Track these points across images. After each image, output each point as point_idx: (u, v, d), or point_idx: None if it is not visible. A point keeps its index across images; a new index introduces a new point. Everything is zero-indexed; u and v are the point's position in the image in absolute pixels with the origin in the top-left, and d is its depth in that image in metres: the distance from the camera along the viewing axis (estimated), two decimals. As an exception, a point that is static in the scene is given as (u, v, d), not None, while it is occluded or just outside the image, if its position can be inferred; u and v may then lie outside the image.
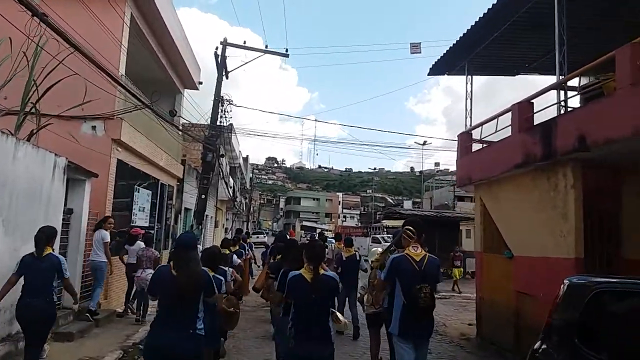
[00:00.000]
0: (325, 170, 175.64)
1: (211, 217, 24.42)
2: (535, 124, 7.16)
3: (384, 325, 5.56)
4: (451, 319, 11.14)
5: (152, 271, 8.42)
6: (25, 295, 4.82)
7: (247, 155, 50.57)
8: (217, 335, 5.41)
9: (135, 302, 9.03)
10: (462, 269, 17.95)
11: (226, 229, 30.12)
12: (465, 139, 9.72)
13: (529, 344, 7.25)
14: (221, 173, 23.07)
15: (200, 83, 16.71)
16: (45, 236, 5.05)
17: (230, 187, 27.27)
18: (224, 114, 16.81)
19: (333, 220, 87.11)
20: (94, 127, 9.32)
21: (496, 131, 8.29)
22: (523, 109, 7.31)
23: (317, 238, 10.66)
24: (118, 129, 9.42)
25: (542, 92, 7.39)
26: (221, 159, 19.11)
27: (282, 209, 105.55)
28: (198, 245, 4.21)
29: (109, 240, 8.41)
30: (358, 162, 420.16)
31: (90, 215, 8.59)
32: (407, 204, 70.08)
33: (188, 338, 3.53)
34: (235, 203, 30.67)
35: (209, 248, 5.43)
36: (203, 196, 15.94)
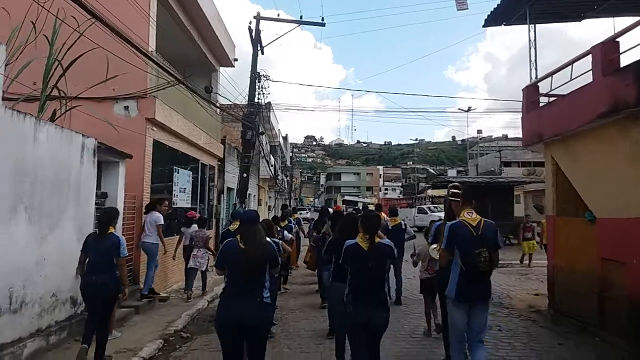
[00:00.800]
0: (364, 145, 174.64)
1: (254, 195, 24.14)
2: (622, 65, 6.09)
3: (435, 289, 5.74)
4: (515, 289, 10.28)
5: (205, 250, 9.38)
6: (89, 273, 5.10)
7: (287, 134, 50.28)
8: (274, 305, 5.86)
9: (187, 281, 9.39)
10: (534, 242, 14.09)
11: (269, 207, 29.89)
12: (531, 92, 8.64)
13: (616, 317, 6.52)
14: (262, 151, 22.63)
15: (236, 60, 16.12)
16: (107, 217, 5.39)
17: (272, 166, 26.88)
18: (262, 91, 16.23)
19: (375, 193, 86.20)
20: (126, 108, 8.89)
21: (571, 79, 7.23)
22: (607, 50, 6.23)
23: (360, 210, 11.26)
24: (152, 108, 8.94)
25: (630, 29, 6.26)
26: (261, 136, 18.59)
27: (322, 185, 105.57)
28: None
29: (162, 222, 8.55)
30: (397, 135, 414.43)
31: (127, 198, 8.22)
32: (451, 173, 68.34)
33: (257, 306, 3.72)
34: (277, 181, 30.32)
35: (265, 220, 5.66)
36: (245, 175, 15.51)
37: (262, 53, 16.28)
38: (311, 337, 6.62)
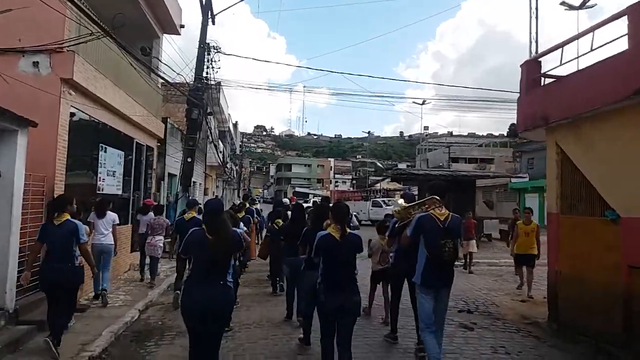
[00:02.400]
0: (315, 137, 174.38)
1: (200, 184, 22.12)
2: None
3: (393, 278, 6.11)
4: (498, 294, 9.15)
5: (161, 237, 9.14)
6: (49, 261, 5.15)
7: (237, 122, 47.95)
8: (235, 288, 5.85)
9: (151, 269, 9.14)
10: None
11: (217, 196, 27.76)
12: (532, 68, 7.41)
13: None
14: (210, 135, 20.54)
15: (182, 26, 14.10)
16: (59, 203, 5.43)
17: (220, 152, 24.85)
18: (211, 64, 14.32)
19: (325, 185, 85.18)
20: (35, 64, 6.88)
21: (591, 49, 6.01)
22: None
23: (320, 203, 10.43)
24: (69, 66, 6.98)
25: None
26: (209, 117, 16.66)
27: (272, 176, 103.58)
28: None
29: (118, 221, 7.88)
30: (347, 129, 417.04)
31: (31, 179, 6.28)
32: (403, 167, 68.44)
33: (222, 289, 3.85)
34: (226, 169, 28.27)
35: (227, 210, 5.85)
36: (189, 159, 13.62)
37: (213, 23, 14.34)
38: (270, 325, 6.67)
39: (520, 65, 7.59)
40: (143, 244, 9.26)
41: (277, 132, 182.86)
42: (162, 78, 11.32)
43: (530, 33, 8.12)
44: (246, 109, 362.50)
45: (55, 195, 6.43)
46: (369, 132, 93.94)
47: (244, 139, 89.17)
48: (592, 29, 6.04)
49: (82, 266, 5.45)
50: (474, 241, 12.44)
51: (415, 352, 5.37)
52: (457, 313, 7.42)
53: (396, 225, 5.35)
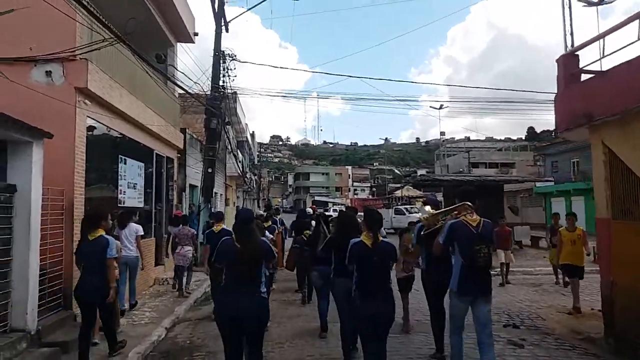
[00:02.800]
0: (331, 145, 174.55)
1: (220, 194, 21.87)
2: None
3: (424, 285, 5.77)
4: (541, 306, 8.55)
5: (189, 248, 9.34)
6: (83, 276, 5.25)
7: (254, 132, 47.91)
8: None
9: (177, 278, 9.36)
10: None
11: (237, 207, 27.51)
12: (569, 62, 6.90)
13: None
14: (229, 145, 20.31)
15: (196, 34, 13.89)
16: (91, 219, 5.48)
17: (240, 162, 24.62)
18: (227, 73, 14.08)
19: (344, 194, 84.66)
20: (48, 73, 6.63)
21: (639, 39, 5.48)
22: None
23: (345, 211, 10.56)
24: (83, 75, 6.71)
25: None
26: (227, 127, 16.40)
27: (290, 185, 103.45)
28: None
29: (142, 233, 7.85)
30: (363, 136, 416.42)
31: (49, 193, 6.01)
32: (421, 173, 67.76)
33: (256, 301, 3.89)
34: (245, 179, 28.05)
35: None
36: (209, 170, 13.35)
37: (227, 30, 14.15)
38: (304, 343, 6.29)
39: (556, 60, 7.07)
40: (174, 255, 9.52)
41: (293, 142, 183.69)
42: (179, 86, 11.08)
43: (565, 26, 7.63)
44: (262, 120, 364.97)
45: (83, 211, 6.58)
46: (385, 139, 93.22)
47: (261, 149, 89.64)
48: (636, 17, 5.52)
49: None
50: (510, 252, 11.26)
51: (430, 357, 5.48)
52: (503, 328, 6.88)
53: (422, 233, 5.39)
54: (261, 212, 16.34)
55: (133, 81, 8.77)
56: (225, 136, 18.60)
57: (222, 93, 13.63)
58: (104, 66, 7.37)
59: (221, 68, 13.68)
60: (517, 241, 18.51)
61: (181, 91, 12.63)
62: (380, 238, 4.30)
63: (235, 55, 13.95)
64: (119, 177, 8.28)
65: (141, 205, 9.35)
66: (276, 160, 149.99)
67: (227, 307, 3.88)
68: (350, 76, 27.90)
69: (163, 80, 10.55)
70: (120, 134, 8.42)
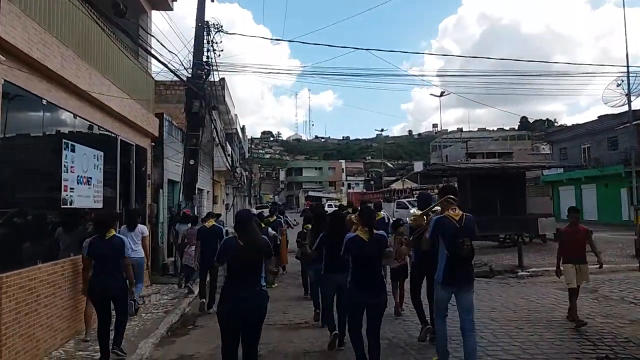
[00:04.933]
0: (322, 140, 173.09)
1: (207, 191, 19.73)
2: None
3: (412, 275, 6.35)
4: (621, 323, 6.61)
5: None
6: (98, 276, 5.27)
7: (244, 126, 45.63)
8: None
9: (186, 277, 9.25)
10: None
11: (227, 205, 25.34)
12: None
13: None
14: (216, 136, 18.09)
15: (175, 0, 11.72)
16: (106, 219, 5.55)
17: (229, 155, 22.44)
18: (212, 46, 11.93)
19: (338, 188, 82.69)
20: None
21: None
22: None
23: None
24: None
25: None
26: (213, 113, 14.24)
27: (282, 181, 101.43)
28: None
29: (147, 234, 8.04)
30: (355, 129, 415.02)
31: None
32: (418, 165, 66.22)
33: (257, 293, 4.15)
34: (236, 174, 25.88)
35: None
36: (192, 162, 11.25)
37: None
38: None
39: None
40: (182, 254, 9.51)
41: (284, 137, 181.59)
42: (152, 55, 8.90)
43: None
44: (252, 116, 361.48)
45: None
46: (382, 130, 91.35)
47: (252, 146, 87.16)
48: None
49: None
50: (586, 265, 6.99)
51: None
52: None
53: (412, 236, 5.76)
54: (256, 211, 15.23)
55: (85, 43, 6.65)
56: (212, 126, 16.45)
57: (206, 70, 11.49)
58: (37, 15, 5.26)
59: (205, 41, 11.55)
60: (541, 235, 16.57)
61: (158, 68, 10.51)
62: (375, 232, 4.61)
63: (221, 26, 11.77)
64: (63, 169, 6.12)
65: (99, 205, 7.20)
66: (267, 156, 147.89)
67: (231, 301, 4.07)
68: (345, 47, 25.82)
69: (134, 48, 8.39)
70: (65, 110, 6.26)
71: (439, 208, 5.17)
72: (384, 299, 4.57)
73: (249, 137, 66.79)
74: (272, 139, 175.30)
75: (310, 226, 8.24)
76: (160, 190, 11.38)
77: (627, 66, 20.33)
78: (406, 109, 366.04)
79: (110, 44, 7.45)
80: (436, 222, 4.85)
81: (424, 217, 5.44)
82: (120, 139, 8.30)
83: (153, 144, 10.44)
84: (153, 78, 10.65)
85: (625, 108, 22.71)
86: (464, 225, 4.74)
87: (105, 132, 7.69)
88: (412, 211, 6.26)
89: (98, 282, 5.22)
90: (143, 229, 7.80)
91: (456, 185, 15.93)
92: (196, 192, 11.61)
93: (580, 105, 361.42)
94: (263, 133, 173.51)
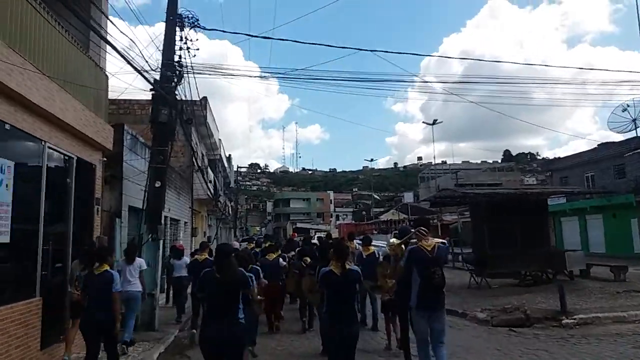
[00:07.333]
0: (310, 172, 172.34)
1: (185, 222, 17.33)
2: None
3: (395, 309, 6.72)
4: None
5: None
6: (89, 308, 5.31)
7: (230, 155, 43.53)
8: (254, 326, 6.62)
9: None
10: None
11: (209, 237, 22.78)
12: None
13: None
14: (195, 160, 15.73)
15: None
16: (99, 253, 5.59)
17: (210, 182, 20.16)
18: (186, 43, 9.84)
19: (326, 220, 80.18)
20: None
21: None
22: None
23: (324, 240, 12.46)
24: None
25: None
26: (190, 128, 12.06)
27: (269, 213, 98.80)
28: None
29: (145, 267, 7.85)
30: (341, 163, 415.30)
31: None
32: (408, 196, 64.49)
33: (233, 325, 4.23)
34: (219, 204, 23.51)
35: (239, 252, 6.91)
36: (158, 183, 9.01)
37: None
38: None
39: None
40: (178, 288, 9.95)
41: (271, 169, 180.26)
42: (104, 39, 6.78)
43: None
44: (240, 149, 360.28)
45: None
46: (371, 159, 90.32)
47: (239, 177, 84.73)
48: None
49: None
50: None
51: None
52: None
53: (391, 262, 6.16)
54: (238, 246, 13.81)
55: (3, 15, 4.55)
56: (192, 148, 14.27)
57: (178, 72, 9.39)
58: None
59: (177, 37, 9.51)
60: (568, 271, 14.41)
61: (113, 70, 8.40)
62: (347, 267, 4.67)
63: (197, 20, 9.72)
64: None
65: (4, 239, 4.92)
66: (254, 188, 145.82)
67: (208, 332, 4.20)
68: (345, 47, 23.96)
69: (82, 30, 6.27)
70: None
71: (415, 240, 5.34)
72: (355, 331, 4.64)
73: (235, 168, 64.61)
74: (259, 171, 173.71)
75: (308, 259, 8.65)
76: (117, 220, 9.05)
77: None
78: (391, 143, 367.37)
79: (40, 20, 5.33)
80: (410, 252, 5.18)
81: (402, 246, 5.67)
82: (48, 146, 6.05)
83: (105, 159, 8.18)
84: (106, 74, 8.45)
85: (633, 134, 21.01)
86: (435, 256, 5.04)
87: (22, 134, 5.47)
88: (391, 240, 6.64)
89: (90, 315, 5.27)
90: (141, 262, 7.73)
91: (468, 214, 13.84)
92: (162, 221, 9.29)
93: (560, 139, 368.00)
94: (250, 165, 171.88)
